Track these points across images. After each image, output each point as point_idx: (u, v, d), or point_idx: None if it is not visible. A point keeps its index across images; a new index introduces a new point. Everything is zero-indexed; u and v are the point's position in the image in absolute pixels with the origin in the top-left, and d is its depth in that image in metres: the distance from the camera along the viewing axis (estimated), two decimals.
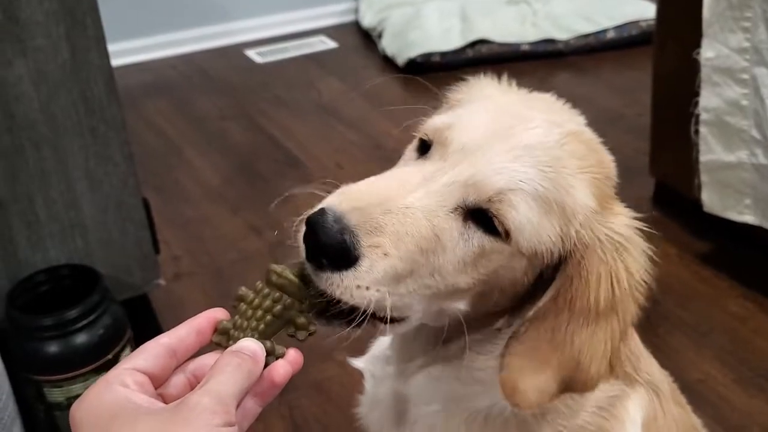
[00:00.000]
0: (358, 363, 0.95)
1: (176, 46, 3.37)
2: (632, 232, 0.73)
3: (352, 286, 0.66)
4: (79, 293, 1.34)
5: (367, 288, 0.66)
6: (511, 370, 0.71)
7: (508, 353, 0.71)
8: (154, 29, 3.32)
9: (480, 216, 0.69)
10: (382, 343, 0.89)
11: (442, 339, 0.77)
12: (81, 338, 1.31)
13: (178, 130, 2.71)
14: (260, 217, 2.14)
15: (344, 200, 0.67)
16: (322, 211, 0.66)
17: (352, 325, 0.68)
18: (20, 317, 1.31)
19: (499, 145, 0.70)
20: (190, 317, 0.65)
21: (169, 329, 0.64)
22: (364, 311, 0.67)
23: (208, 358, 0.63)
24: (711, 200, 1.71)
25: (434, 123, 0.76)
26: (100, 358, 1.33)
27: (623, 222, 0.73)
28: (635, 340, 0.88)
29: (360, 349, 1.61)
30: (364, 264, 0.65)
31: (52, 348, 1.30)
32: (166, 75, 3.17)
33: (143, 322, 1.54)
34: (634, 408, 0.84)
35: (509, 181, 0.68)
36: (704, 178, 1.71)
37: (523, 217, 0.68)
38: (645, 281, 0.73)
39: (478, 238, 0.69)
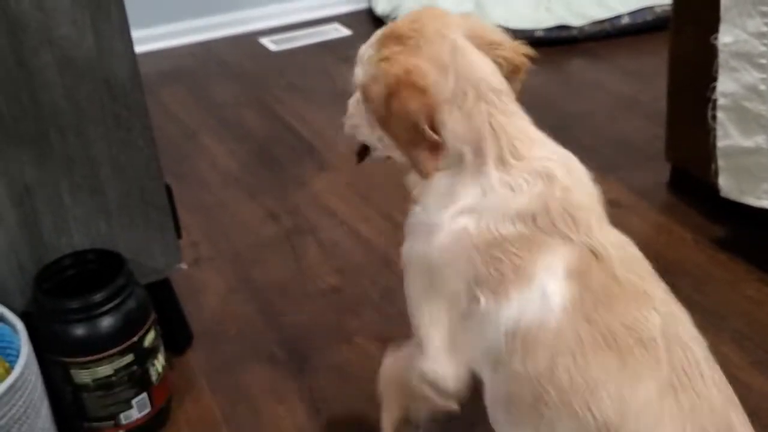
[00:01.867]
0: None
1: (192, 34, 3.38)
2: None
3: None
4: (105, 277, 1.37)
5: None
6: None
7: None
8: (170, 17, 3.34)
9: None
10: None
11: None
12: (107, 321, 1.34)
13: (195, 117, 2.73)
14: (277, 203, 2.16)
15: None
16: None
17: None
18: (47, 301, 1.34)
19: None
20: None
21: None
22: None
23: None
24: (728, 185, 1.72)
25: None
26: (126, 341, 1.35)
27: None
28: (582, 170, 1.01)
29: (379, 334, 1.63)
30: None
31: (79, 331, 1.33)
32: (183, 63, 3.19)
33: (166, 306, 1.57)
34: (554, 258, 0.91)
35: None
36: (721, 163, 1.71)
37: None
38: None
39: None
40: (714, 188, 1.75)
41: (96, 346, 1.33)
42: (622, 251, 0.95)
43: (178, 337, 1.63)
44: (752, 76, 1.61)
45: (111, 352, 1.34)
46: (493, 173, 0.97)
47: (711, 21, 1.66)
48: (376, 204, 2.09)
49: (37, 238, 1.40)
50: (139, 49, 1.40)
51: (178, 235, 1.57)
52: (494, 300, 0.93)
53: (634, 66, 2.85)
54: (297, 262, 1.91)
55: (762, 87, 1.60)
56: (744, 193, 1.70)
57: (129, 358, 1.36)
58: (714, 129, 1.71)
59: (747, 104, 1.63)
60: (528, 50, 1.08)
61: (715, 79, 1.68)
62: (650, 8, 3.07)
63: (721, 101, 1.68)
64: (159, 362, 1.43)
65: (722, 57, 1.66)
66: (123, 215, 1.47)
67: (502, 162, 0.97)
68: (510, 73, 1.05)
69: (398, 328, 1.16)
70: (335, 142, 2.46)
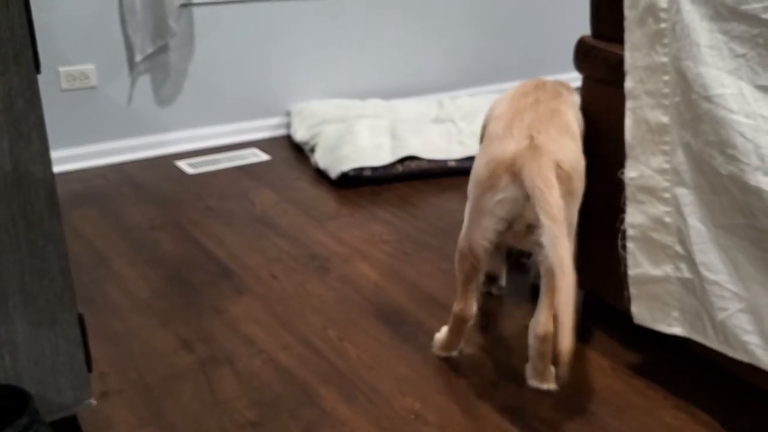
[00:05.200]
0: None
1: (107, 156, 3.35)
2: None
3: None
4: (7, 414, 1.27)
5: None
6: None
7: None
8: (84, 139, 3.30)
9: None
10: None
11: None
12: None
13: (107, 240, 2.65)
14: (192, 331, 2.09)
15: None
16: None
17: None
18: None
19: None
20: None
21: None
22: None
23: None
24: (640, 312, 1.78)
25: None
26: None
27: None
28: None
29: None
30: None
31: None
32: (96, 184, 3.13)
33: None
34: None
35: None
36: (633, 291, 1.78)
37: None
38: None
39: None
40: (627, 315, 1.80)
41: None
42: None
43: None
44: (657, 209, 1.71)
45: None
46: None
47: (617, 157, 1.77)
48: (296, 330, 2.04)
49: None
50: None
51: (89, 369, 1.49)
52: None
53: None
54: (212, 394, 1.83)
55: (667, 219, 1.70)
56: (656, 320, 1.76)
57: None
58: (625, 258, 1.78)
59: (654, 235, 1.72)
60: None
61: (623, 211, 1.77)
62: None
63: (630, 232, 1.76)
64: None
65: (629, 190, 1.76)
66: (31, 347, 1.38)
67: None
68: None
69: None
70: (253, 265, 2.43)
